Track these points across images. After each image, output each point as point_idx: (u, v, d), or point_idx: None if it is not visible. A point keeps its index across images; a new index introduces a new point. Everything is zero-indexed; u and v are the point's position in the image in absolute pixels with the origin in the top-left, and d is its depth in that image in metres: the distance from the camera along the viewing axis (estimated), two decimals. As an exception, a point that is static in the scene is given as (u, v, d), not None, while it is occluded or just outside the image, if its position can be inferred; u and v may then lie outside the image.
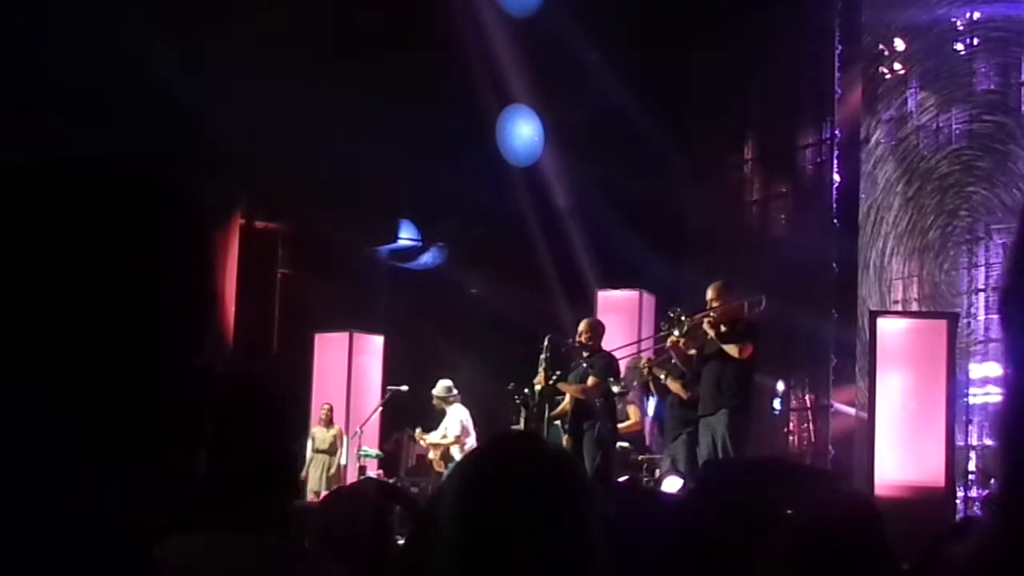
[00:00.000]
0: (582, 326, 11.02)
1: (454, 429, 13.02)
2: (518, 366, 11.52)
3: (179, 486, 1.04)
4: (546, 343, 10.89)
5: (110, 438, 0.98)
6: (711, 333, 10.09)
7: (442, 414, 13.34)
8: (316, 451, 13.90)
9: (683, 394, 10.47)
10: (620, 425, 11.39)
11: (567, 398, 10.86)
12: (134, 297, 0.99)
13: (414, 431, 13.45)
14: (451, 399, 13.20)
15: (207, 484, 2.39)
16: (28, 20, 12.08)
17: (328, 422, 14.18)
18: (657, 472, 11.21)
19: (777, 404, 14.72)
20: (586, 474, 2.08)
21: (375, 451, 14.16)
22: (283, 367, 14.56)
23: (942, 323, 11.27)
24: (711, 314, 10.20)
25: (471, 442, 12.59)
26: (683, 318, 10.48)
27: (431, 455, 13.25)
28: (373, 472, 13.83)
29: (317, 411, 14.42)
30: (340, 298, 15.71)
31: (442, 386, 13.24)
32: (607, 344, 11.05)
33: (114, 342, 0.98)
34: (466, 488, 1.93)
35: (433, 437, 13.22)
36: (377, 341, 15.52)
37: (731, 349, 9.95)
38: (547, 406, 10.84)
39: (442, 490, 2.03)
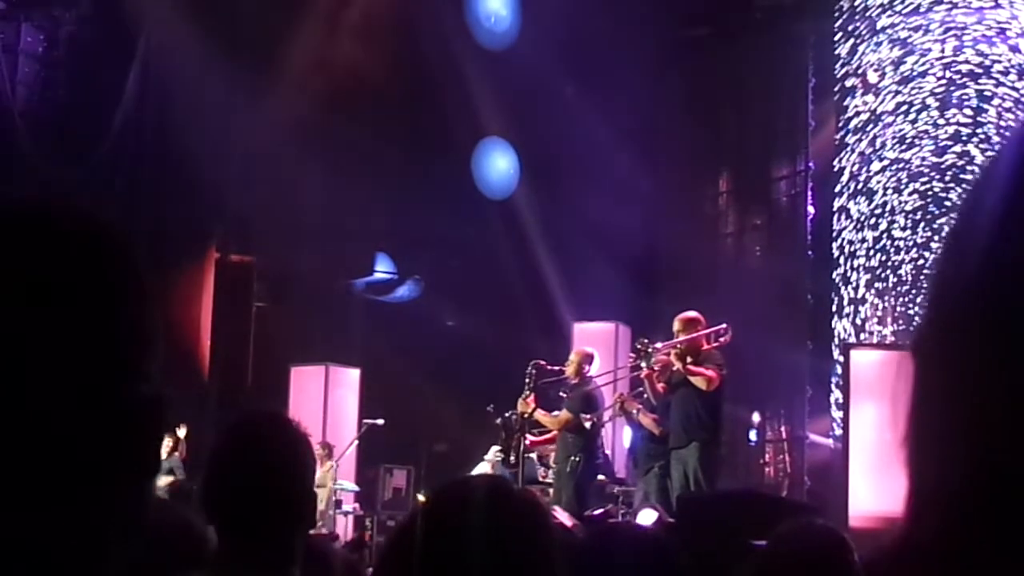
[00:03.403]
0: (570, 356, 11.04)
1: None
2: (493, 399, 11.48)
3: (131, 515, 1.04)
4: (530, 368, 10.86)
5: (57, 467, 0.98)
6: (677, 365, 10.08)
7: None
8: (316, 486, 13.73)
9: (655, 429, 10.44)
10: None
11: (554, 434, 10.83)
12: (73, 328, 1.00)
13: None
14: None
15: (237, 523, 2.41)
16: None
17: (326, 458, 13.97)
18: (632, 503, 11.18)
19: (753, 435, 14.73)
20: (552, 520, 2.07)
21: (351, 485, 14.10)
22: (259, 400, 14.49)
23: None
24: (677, 346, 10.19)
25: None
26: (650, 349, 10.47)
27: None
28: (349, 506, 13.78)
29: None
30: (316, 331, 15.68)
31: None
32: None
33: (55, 375, 0.98)
34: (429, 534, 1.93)
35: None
36: (353, 374, 15.46)
37: (698, 382, 9.92)
38: (523, 434, 10.80)
39: (404, 530, 2.02)
